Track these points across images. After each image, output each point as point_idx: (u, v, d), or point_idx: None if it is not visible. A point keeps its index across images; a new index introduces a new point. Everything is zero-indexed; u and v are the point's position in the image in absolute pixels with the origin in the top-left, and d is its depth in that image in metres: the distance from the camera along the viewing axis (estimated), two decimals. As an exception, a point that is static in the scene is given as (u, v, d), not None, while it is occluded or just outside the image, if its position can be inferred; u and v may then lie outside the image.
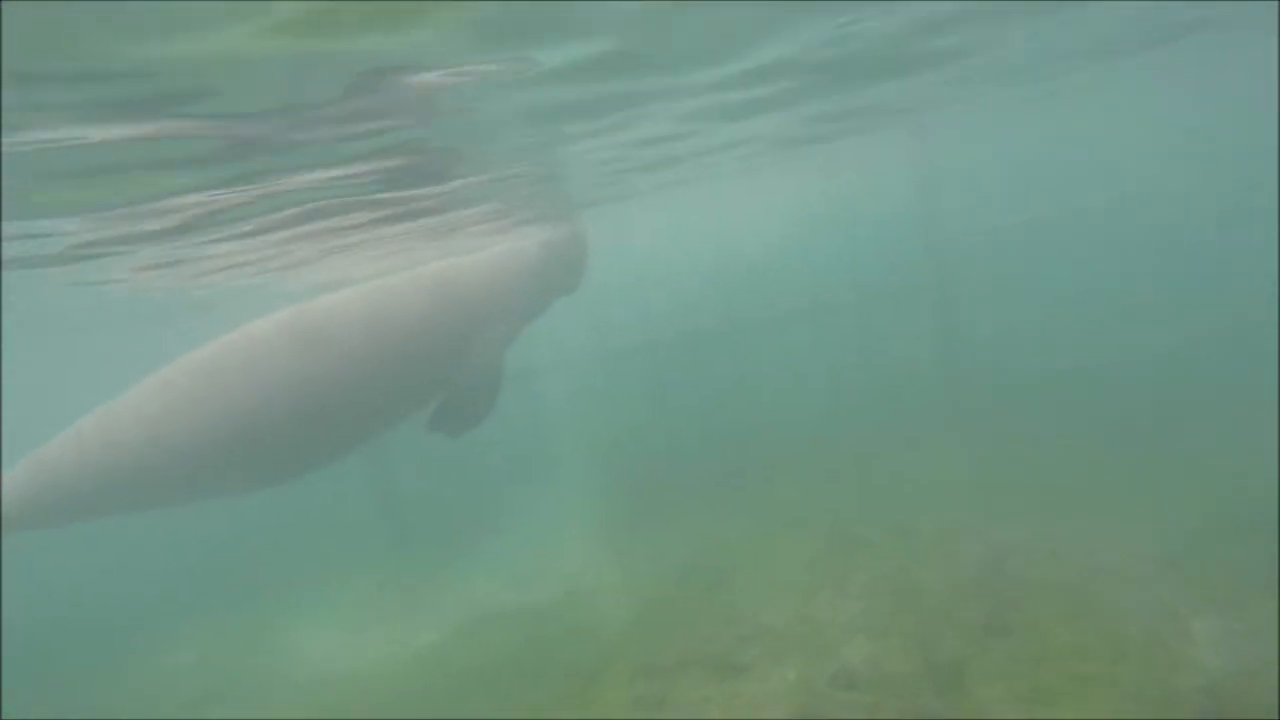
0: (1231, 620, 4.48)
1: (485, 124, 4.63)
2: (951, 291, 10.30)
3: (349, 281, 6.71)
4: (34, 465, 5.58)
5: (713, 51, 4.20)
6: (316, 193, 5.35)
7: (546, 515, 10.01)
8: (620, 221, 12.03)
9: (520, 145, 5.58)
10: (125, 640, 9.34)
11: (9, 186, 3.56)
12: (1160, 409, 8.78)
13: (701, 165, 8.94)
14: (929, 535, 6.67)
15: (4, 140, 2.86)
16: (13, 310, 7.99)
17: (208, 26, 2.27)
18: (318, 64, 2.82)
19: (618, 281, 10.92)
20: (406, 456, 10.90)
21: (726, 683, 5.17)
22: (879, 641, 5.16)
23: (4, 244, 4.88)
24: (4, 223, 4.28)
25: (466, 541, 9.90)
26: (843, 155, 10.62)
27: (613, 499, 10.01)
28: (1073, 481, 7.48)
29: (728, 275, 10.80)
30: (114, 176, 3.92)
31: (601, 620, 6.86)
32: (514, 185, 7.02)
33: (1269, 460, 6.45)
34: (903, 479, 8.34)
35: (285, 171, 4.56)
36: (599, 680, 5.62)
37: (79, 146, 3.21)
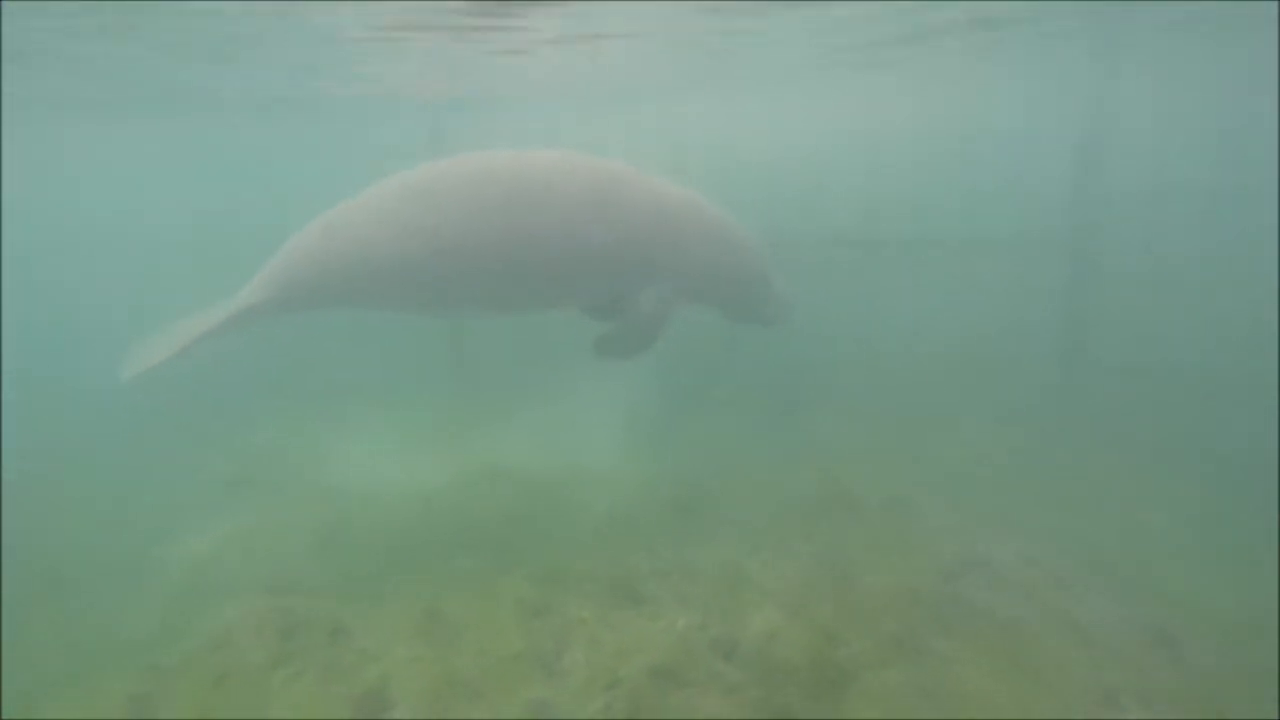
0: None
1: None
2: (1088, 259, 8.74)
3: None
4: (282, 254, 6.12)
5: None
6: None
7: (593, 403, 9.86)
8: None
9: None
10: (182, 427, 10.23)
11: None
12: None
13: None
14: (926, 521, 5.90)
15: None
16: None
17: None
18: None
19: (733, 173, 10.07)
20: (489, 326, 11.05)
21: (614, 610, 4.89)
22: (789, 619, 4.65)
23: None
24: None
25: (507, 408, 10.01)
26: (1009, 66, 9.00)
27: (656, 403, 9.66)
28: (1142, 506, 6.38)
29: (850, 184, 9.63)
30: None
31: (567, 512, 6.71)
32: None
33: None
34: (947, 454, 7.43)
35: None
36: (510, 570, 5.50)
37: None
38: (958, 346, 9.44)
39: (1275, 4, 7.92)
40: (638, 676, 4.19)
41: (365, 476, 8.11)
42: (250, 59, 8.95)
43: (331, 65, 9.58)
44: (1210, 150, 9.16)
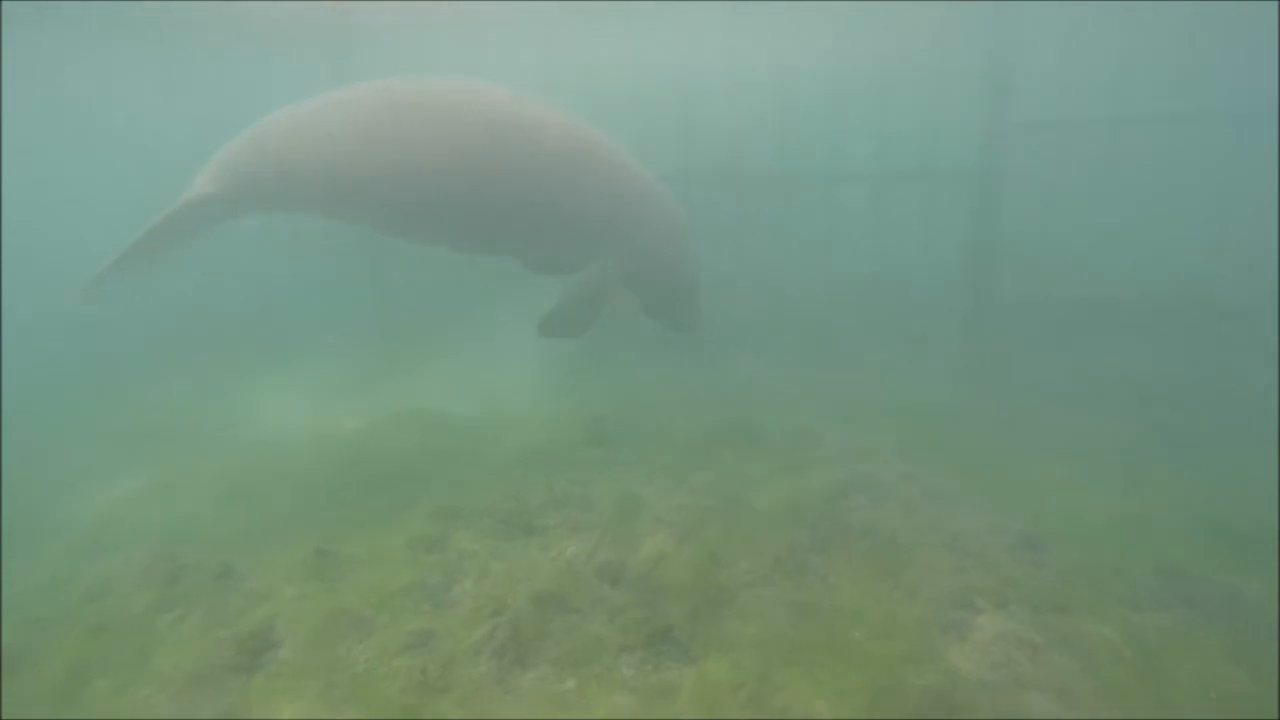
0: (1020, 627, 3.80)
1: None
2: (996, 190, 8.85)
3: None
4: (226, 152, 6.07)
5: None
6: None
7: (513, 348, 9.78)
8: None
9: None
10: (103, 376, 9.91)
11: None
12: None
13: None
14: (822, 450, 6.03)
15: None
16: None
17: None
18: None
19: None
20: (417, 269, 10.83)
21: (506, 542, 4.93)
22: (678, 543, 4.75)
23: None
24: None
25: (428, 354, 9.90)
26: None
27: (575, 346, 9.62)
28: (1035, 430, 6.62)
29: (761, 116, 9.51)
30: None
31: (477, 452, 6.70)
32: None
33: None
34: (854, 388, 7.57)
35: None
36: (409, 508, 5.49)
37: None
38: (869, 282, 9.55)
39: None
40: (522, 604, 4.24)
41: (279, 426, 8.01)
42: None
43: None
44: (1114, 80, 9.26)
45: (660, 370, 8.83)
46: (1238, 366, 7.92)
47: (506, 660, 3.91)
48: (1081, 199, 9.70)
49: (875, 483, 5.12)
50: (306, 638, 4.18)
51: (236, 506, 5.98)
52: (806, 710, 3.51)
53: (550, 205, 5.65)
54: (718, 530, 4.79)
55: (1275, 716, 3.43)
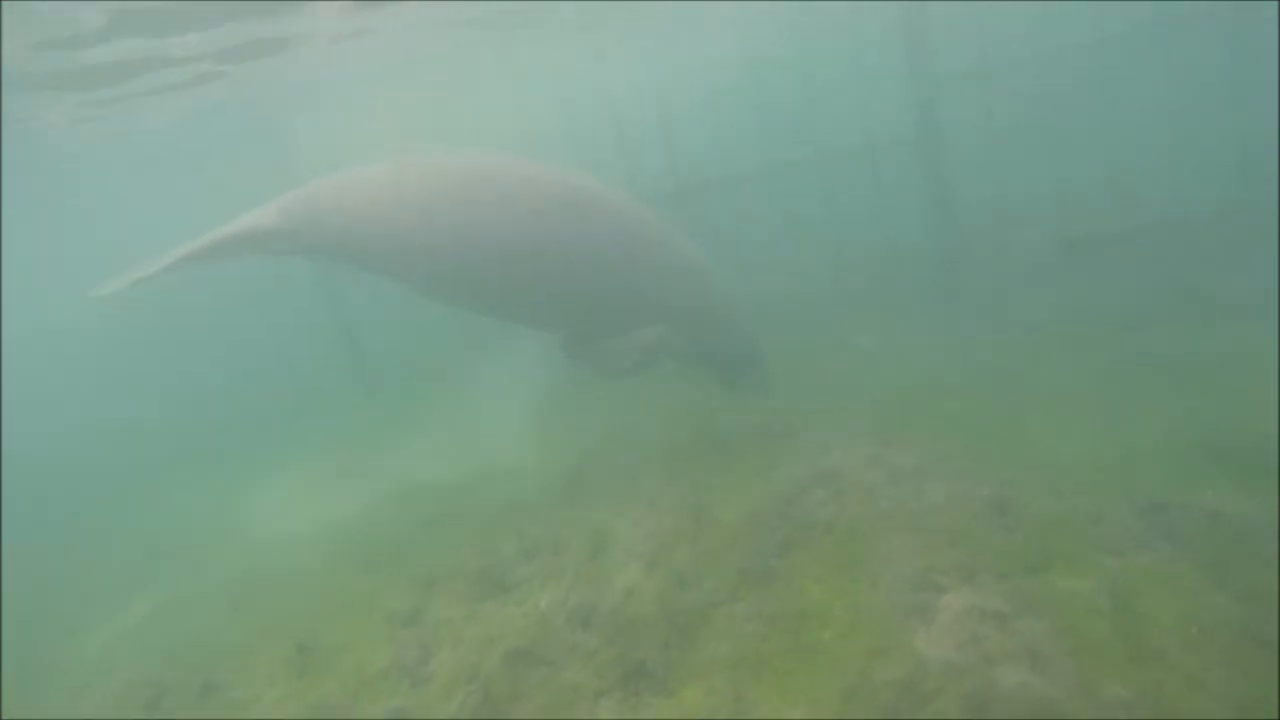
0: (987, 598, 3.67)
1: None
2: (938, 147, 8.74)
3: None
4: (304, 192, 6.21)
5: None
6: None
7: (498, 403, 9.79)
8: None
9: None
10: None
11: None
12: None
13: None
14: (789, 446, 5.93)
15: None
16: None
17: None
18: None
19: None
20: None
21: (482, 602, 4.90)
22: (647, 576, 4.67)
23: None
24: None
25: (417, 422, 9.94)
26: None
27: (558, 388, 9.60)
28: (1008, 388, 6.47)
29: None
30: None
31: (462, 510, 6.69)
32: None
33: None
34: (824, 373, 7.45)
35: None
36: (394, 581, 5.47)
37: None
38: (834, 264, 9.45)
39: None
40: (495, 666, 4.19)
41: (277, 522, 8.08)
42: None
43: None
44: (1028, 21, 9.13)
45: (643, 384, 8.76)
46: (1212, 281, 7.71)
47: (481, 727, 3.86)
48: (1027, 140, 9.56)
49: (838, 474, 5.01)
50: (288, 739, 4.15)
51: (233, 616, 6.00)
52: (782, 724, 3.41)
53: (613, 280, 5.79)
54: (685, 553, 4.71)
55: (1260, 632, 3.27)
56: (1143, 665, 3.24)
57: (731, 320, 6.46)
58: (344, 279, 10.67)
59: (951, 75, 8.51)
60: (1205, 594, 3.61)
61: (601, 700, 3.89)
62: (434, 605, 4.97)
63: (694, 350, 6.39)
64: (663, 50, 10.05)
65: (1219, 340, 6.52)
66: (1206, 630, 3.38)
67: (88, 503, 9.93)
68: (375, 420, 10.47)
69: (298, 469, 9.70)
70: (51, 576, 7.82)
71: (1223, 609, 3.49)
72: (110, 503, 9.83)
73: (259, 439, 11.10)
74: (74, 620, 6.96)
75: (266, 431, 11.35)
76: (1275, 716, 2.88)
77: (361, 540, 6.62)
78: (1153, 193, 8.80)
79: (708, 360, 6.54)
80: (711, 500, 5.24)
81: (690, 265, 6.23)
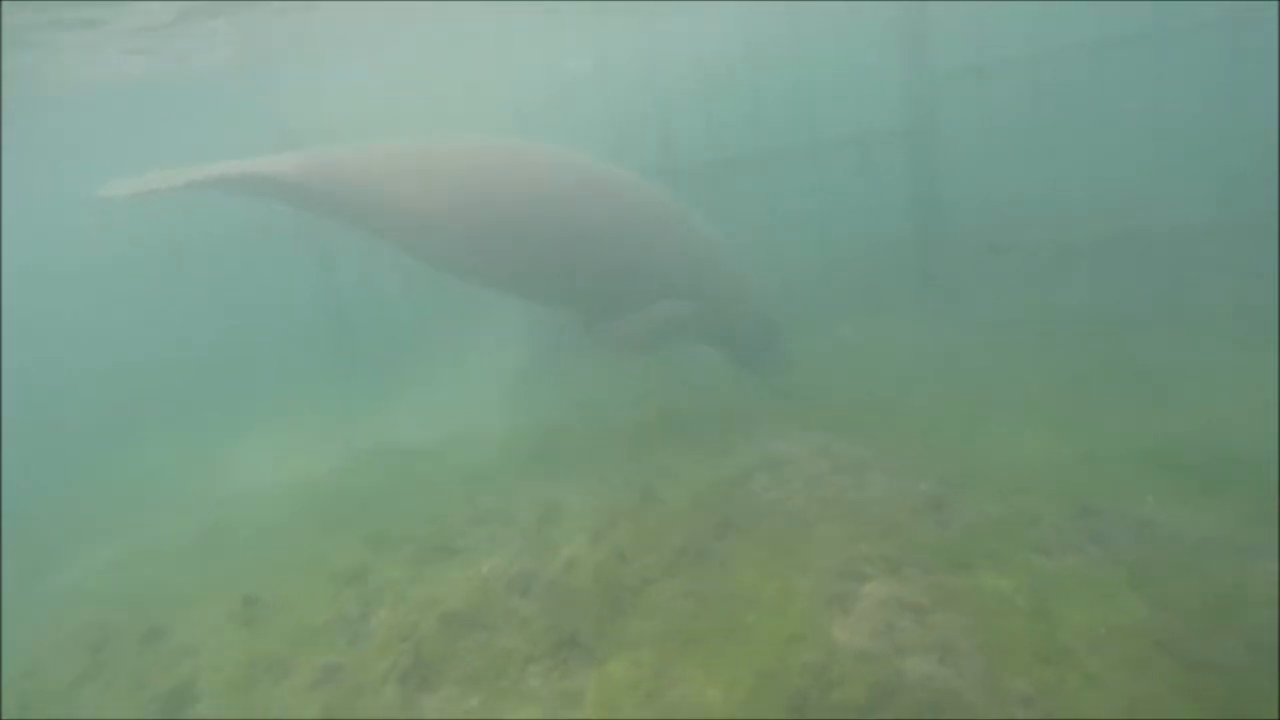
0: (909, 590, 3.76)
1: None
2: (931, 142, 8.74)
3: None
4: (328, 153, 6.17)
5: None
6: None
7: (474, 372, 9.83)
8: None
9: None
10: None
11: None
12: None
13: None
14: (744, 431, 6.00)
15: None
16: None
17: None
18: None
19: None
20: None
21: (428, 565, 4.98)
22: (591, 547, 4.75)
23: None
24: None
25: (395, 385, 9.99)
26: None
27: (533, 362, 9.64)
28: (969, 384, 6.53)
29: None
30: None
31: (429, 474, 6.77)
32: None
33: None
34: (813, 362, 7.48)
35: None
36: (346, 542, 5.55)
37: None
38: (821, 252, 9.46)
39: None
40: (431, 626, 4.28)
41: (248, 477, 8.17)
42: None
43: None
44: (1029, 21, 9.07)
45: (622, 370, 8.81)
46: (1194, 291, 7.75)
47: (410, 686, 3.95)
48: (1018, 141, 9.53)
49: (785, 461, 5.08)
50: (225, 688, 4.25)
51: (191, 567, 6.08)
52: (700, 700, 3.50)
53: (635, 260, 5.88)
54: (628, 529, 4.79)
55: (1164, 637, 3.36)
56: (1048, 663, 3.33)
57: (749, 301, 6.53)
58: (335, 241, 10.65)
59: (952, 70, 8.46)
60: (1120, 597, 3.69)
61: (530, 666, 3.99)
62: (381, 565, 5.05)
63: (712, 331, 6.46)
64: (656, 33, 9.97)
65: (1189, 351, 6.58)
66: (1115, 632, 3.46)
67: (63, 451, 9.98)
68: (356, 384, 10.52)
69: (276, 427, 9.77)
70: (18, 524, 7.89)
71: (1134, 612, 3.57)
72: (87, 452, 9.89)
73: (242, 396, 11.15)
74: (37, 566, 7.04)
75: (250, 388, 11.39)
76: (1163, 717, 2.97)
77: (325, 500, 6.70)
78: (1144, 199, 8.82)
79: (726, 341, 6.60)
80: (662, 480, 5.31)
81: (709, 246, 6.30)
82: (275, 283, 11.58)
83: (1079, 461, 5.18)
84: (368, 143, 6.27)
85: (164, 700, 4.22)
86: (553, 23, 11.30)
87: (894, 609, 3.62)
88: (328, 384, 10.94)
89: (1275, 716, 2.95)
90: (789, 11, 9.37)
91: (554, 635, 4.10)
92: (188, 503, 7.69)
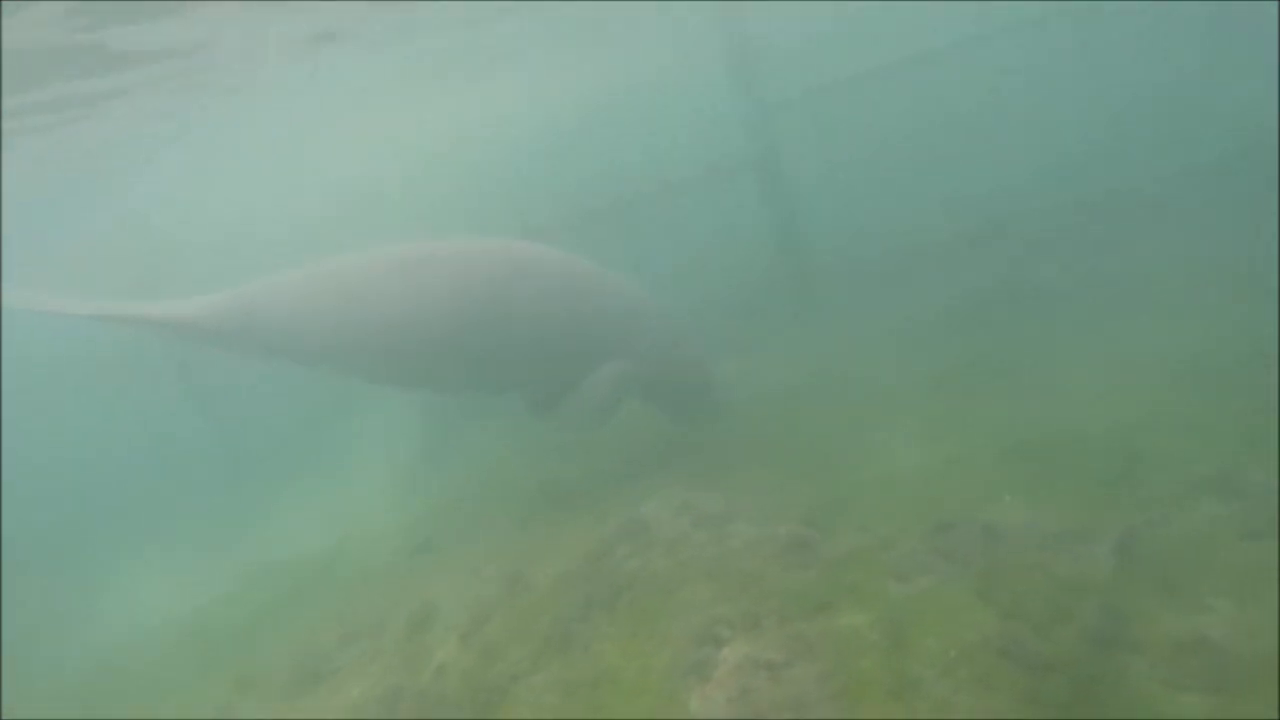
0: (764, 649, 3.73)
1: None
2: (778, 168, 8.98)
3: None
4: (239, 293, 6.26)
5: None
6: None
7: (361, 463, 9.54)
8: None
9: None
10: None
11: None
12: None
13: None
14: (603, 499, 5.95)
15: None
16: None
17: None
18: None
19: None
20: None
21: (293, 700, 4.72)
22: (461, 650, 4.59)
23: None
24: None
25: (276, 489, 9.64)
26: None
27: (424, 442, 9.44)
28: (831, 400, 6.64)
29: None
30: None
31: (308, 587, 6.49)
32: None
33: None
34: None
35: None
36: (211, 683, 5.25)
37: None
38: (689, 292, 9.57)
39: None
40: (293, 772, 4.04)
41: (131, 615, 7.70)
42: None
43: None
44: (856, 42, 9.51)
45: (505, 435, 8.68)
46: (1036, 280, 8.12)
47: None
48: (863, 154, 9.90)
49: (646, 526, 5.03)
50: None
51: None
52: (569, 800, 3.37)
53: (556, 335, 5.90)
54: (498, 623, 4.65)
55: (1011, 647, 3.40)
56: (900, 698, 3.32)
57: (685, 353, 6.53)
58: (196, 356, 10.29)
59: (790, 97, 8.73)
60: (970, 612, 3.72)
61: (400, 793, 3.79)
62: (248, 707, 4.77)
63: (654, 385, 6.46)
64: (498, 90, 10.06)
65: (1048, 338, 6.87)
66: (965, 652, 3.48)
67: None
68: (243, 492, 10.11)
69: (163, 550, 9.27)
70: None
71: (983, 626, 3.60)
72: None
73: (123, 518, 10.59)
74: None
75: (130, 511, 10.82)
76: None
77: (201, 636, 6.38)
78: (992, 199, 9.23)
79: (662, 395, 6.58)
80: (531, 562, 5.20)
81: (638, 308, 6.32)
82: (137, 400, 11.09)
83: (943, 466, 5.27)
84: (276, 275, 6.29)
85: None
86: (399, 103, 11.28)
87: (749, 671, 3.57)
88: (215, 496, 10.50)
89: (1114, 707, 3.00)
90: (622, 70, 9.59)
91: (424, 752, 3.92)
92: (61, 662, 7.19)
